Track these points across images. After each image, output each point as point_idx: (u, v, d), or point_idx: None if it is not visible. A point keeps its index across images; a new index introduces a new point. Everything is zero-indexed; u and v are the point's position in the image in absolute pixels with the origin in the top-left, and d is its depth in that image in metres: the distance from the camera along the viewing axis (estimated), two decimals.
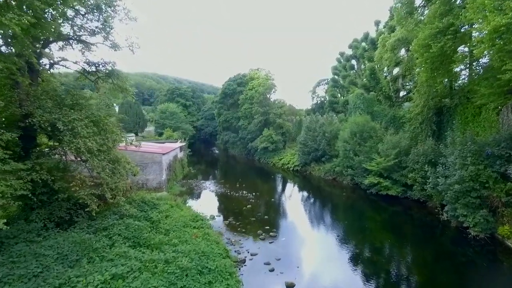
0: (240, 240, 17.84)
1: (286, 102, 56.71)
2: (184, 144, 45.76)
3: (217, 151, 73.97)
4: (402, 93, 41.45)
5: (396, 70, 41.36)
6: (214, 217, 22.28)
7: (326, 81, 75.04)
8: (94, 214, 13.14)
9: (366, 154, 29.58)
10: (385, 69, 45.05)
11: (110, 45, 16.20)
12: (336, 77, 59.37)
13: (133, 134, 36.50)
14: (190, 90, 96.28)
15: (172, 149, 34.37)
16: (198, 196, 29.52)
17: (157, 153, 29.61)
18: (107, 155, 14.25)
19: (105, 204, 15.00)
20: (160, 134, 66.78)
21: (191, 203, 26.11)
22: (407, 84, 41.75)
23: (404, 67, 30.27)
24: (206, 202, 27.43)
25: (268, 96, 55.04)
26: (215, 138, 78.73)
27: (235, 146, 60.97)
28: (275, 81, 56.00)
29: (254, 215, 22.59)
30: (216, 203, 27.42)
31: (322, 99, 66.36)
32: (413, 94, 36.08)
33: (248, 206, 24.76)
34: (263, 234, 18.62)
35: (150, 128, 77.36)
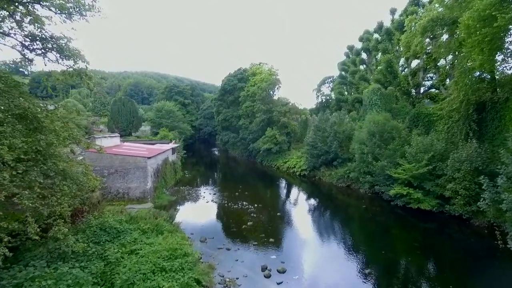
0: (236, 279, 13.20)
1: (290, 101, 51.99)
2: (177, 145, 41.11)
3: (217, 152, 69.38)
4: (423, 89, 36.95)
5: (415, 63, 36.83)
6: (205, 239, 17.66)
7: (331, 78, 70.54)
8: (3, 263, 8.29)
9: (389, 158, 24.86)
10: (402, 62, 40.63)
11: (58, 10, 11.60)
12: (343, 73, 54.61)
13: (117, 135, 31.76)
14: (189, 88, 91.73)
15: (161, 151, 29.77)
16: (190, 208, 24.88)
17: (141, 156, 25.00)
18: (39, 166, 9.62)
19: (41, 237, 10.38)
20: (156, 134, 62.24)
21: (179, 217, 21.54)
22: (429, 78, 37.26)
23: (435, 52, 25.33)
24: (199, 216, 22.86)
25: (271, 92, 50.38)
26: (214, 138, 74.17)
27: (235, 147, 56.26)
28: (279, 76, 51.33)
29: (257, 237, 17.96)
30: (210, 218, 22.81)
31: (327, 97, 61.85)
32: (442, 87, 31.67)
33: (249, 224, 20.13)
34: (268, 268, 13.98)
35: (146, 128, 72.83)
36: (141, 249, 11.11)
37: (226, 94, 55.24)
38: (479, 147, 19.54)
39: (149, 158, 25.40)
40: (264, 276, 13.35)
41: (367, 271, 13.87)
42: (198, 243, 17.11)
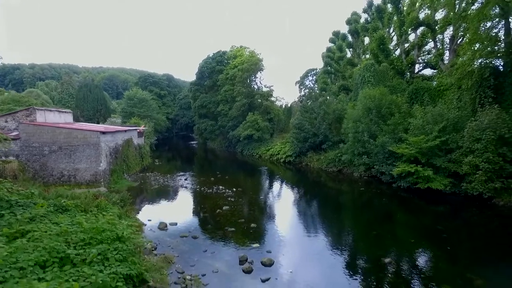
0: (202, 276, 9.01)
1: (273, 87, 48.20)
2: (146, 128, 36.27)
3: (194, 145, 64.29)
4: (417, 68, 34.11)
5: (411, 37, 33.93)
6: (166, 226, 13.33)
7: (315, 71, 67.70)
8: None
9: (390, 134, 21.39)
10: (393, 43, 37.70)
11: None
12: (329, 59, 51.37)
13: (69, 111, 26.77)
14: (166, 79, 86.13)
15: (121, 129, 25.06)
16: (153, 194, 20.38)
17: (92, 130, 20.31)
18: None
19: None
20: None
21: (139, 203, 17.14)
22: (424, 55, 34.46)
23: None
24: (162, 202, 18.55)
25: (253, 78, 46.27)
26: (192, 130, 68.89)
27: (213, 137, 51.54)
28: (263, 62, 47.25)
29: (234, 223, 13.83)
30: (176, 203, 18.58)
31: (311, 90, 58.72)
32: (441, 62, 28.64)
33: (225, 208, 15.94)
34: (249, 260, 9.88)
35: (117, 121, 66.75)
36: (39, 230, 6.75)
37: (204, 78, 50.47)
38: (503, 113, 16.29)
39: (103, 133, 20.74)
40: (244, 271, 9.23)
41: (369, 264, 10.00)
42: (156, 231, 12.80)
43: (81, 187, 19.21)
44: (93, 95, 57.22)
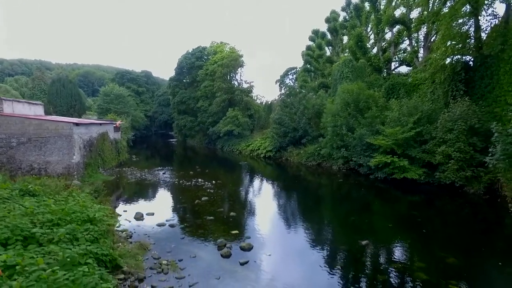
0: (179, 261, 8.77)
1: (253, 82, 47.96)
2: (122, 123, 35.26)
3: (174, 142, 62.99)
4: (393, 65, 35.05)
5: (388, 36, 34.80)
6: (142, 216, 12.94)
7: (295, 70, 68.19)
8: None
9: (367, 127, 21.83)
10: (371, 41, 38.55)
11: None
12: (309, 58, 51.89)
13: (40, 103, 25.59)
14: (144, 75, 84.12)
15: (96, 122, 24.19)
16: (130, 187, 19.78)
17: (65, 122, 19.49)
18: None
19: None
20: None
21: (115, 196, 16.59)
22: (398, 58, 35.49)
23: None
24: (139, 194, 18.05)
25: (234, 75, 45.96)
26: (171, 128, 67.58)
27: (193, 133, 50.76)
28: (243, 58, 46.99)
29: (213, 212, 13.62)
30: (153, 194, 18.15)
31: (291, 89, 59.14)
32: (416, 59, 29.52)
33: (203, 199, 15.68)
34: (228, 245, 9.72)
35: (93, 118, 64.40)
36: (1, 211, 6.29)
37: (183, 74, 49.66)
38: (474, 104, 16.99)
39: (77, 125, 19.93)
40: (222, 256, 9.07)
41: (346, 246, 10.09)
42: (132, 221, 12.39)
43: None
44: (66, 90, 54.97)
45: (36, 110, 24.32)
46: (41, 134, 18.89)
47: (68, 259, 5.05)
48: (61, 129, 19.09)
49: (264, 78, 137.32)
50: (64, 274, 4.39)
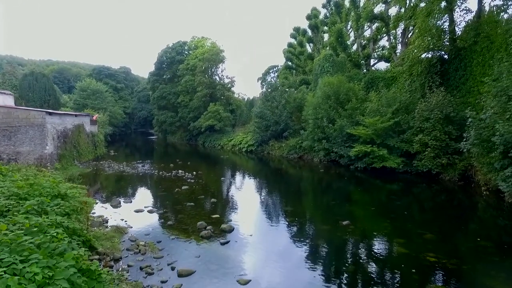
0: (158, 242, 8.49)
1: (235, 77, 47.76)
2: (100, 116, 34.16)
3: (154, 139, 61.65)
4: (372, 61, 35.82)
5: (367, 33, 35.51)
6: (119, 203, 12.50)
7: (276, 68, 68.40)
8: None
9: (348, 118, 22.13)
10: (351, 38, 39.23)
11: None
12: (290, 55, 52.21)
13: (9, 93, 24.32)
14: (123, 72, 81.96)
15: (71, 114, 23.27)
16: (107, 179, 19.13)
17: (37, 110, 18.62)
18: None
19: None
20: None
21: (92, 186, 15.95)
22: (377, 55, 36.30)
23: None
24: (115, 185, 17.49)
25: (215, 70, 45.53)
26: (151, 126, 66.19)
27: (174, 129, 49.88)
28: (224, 53, 46.65)
29: (193, 199, 13.33)
30: (131, 185, 17.59)
31: (273, 86, 59.30)
32: (394, 54, 30.26)
33: (184, 188, 15.34)
34: (208, 227, 9.49)
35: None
36: None
37: (163, 69, 48.75)
38: (449, 95, 17.54)
39: (50, 114, 19.09)
40: (202, 237, 8.84)
41: (327, 226, 10.11)
42: (108, 208, 11.95)
43: None
44: (40, 84, 52.66)
45: (5, 100, 23.02)
46: (10, 123, 17.93)
47: (35, 228, 4.71)
48: (32, 118, 18.20)
49: (246, 77, 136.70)
50: (30, 239, 4.08)
